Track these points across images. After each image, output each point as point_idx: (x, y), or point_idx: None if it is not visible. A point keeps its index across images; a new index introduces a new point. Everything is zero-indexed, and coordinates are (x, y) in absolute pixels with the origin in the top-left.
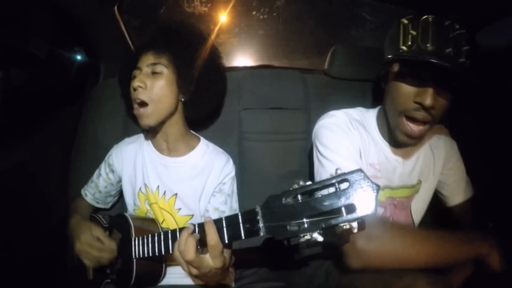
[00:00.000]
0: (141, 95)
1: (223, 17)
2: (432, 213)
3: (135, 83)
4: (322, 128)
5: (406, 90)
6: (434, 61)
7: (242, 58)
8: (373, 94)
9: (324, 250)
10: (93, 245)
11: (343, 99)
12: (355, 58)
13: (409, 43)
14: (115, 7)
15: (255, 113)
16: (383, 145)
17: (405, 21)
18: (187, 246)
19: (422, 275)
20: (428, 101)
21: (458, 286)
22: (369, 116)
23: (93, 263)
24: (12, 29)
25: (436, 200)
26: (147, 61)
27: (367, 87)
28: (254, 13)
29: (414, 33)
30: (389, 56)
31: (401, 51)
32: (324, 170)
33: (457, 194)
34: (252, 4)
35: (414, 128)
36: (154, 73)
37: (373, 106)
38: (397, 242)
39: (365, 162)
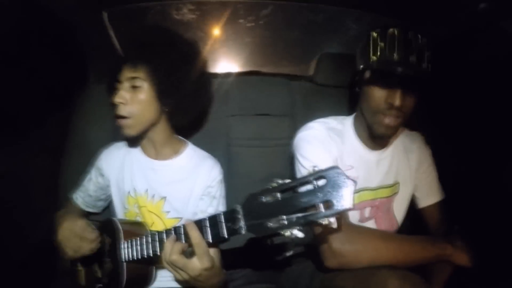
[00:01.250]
0: (122, 111)
1: (211, 25)
2: (412, 219)
3: (116, 99)
4: (300, 140)
5: (378, 93)
6: (400, 70)
7: (229, 65)
8: (349, 101)
9: (309, 251)
10: (75, 232)
11: (329, 105)
12: (340, 65)
13: (378, 53)
14: (105, 13)
15: (242, 119)
16: (360, 148)
17: (375, 34)
18: (171, 251)
19: (394, 271)
20: (397, 102)
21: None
22: (346, 123)
23: (73, 252)
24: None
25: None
26: (126, 74)
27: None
28: (241, 21)
29: (382, 44)
30: (361, 66)
31: (371, 61)
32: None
33: (428, 196)
34: (239, 12)
35: (389, 120)
36: (133, 87)
37: (349, 113)
38: (369, 244)
39: (342, 168)
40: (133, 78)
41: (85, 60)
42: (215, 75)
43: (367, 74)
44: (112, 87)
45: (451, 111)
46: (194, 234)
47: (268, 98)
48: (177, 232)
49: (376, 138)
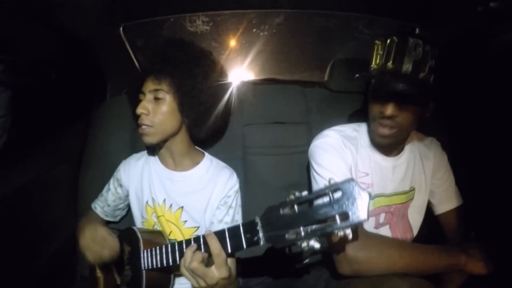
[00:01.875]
0: (144, 121)
1: (225, 35)
2: (430, 227)
3: (138, 110)
4: (316, 148)
5: (375, 102)
6: (392, 79)
7: (243, 74)
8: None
9: (324, 259)
10: (95, 240)
11: (344, 111)
12: (353, 71)
13: (378, 62)
14: (121, 28)
15: (258, 128)
16: (375, 154)
17: (378, 42)
18: (192, 259)
19: (405, 279)
20: (388, 111)
21: None
22: (361, 130)
23: (95, 259)
24: (22, 49)
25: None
26: (149, 87)
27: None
28: (254, 30)
29: (381, 53)
30: (365, 74)
31: (371, 70)
32: (318, 186)
33: (445, 202)
34: (252, 22)
35: (382, 130)
36: (156, 98)
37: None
38: (383, 251)
39: (357, 175)
40: (156, 90)
41: (103, 73)
42: (230, 84)
43: (370, 83)
44: (135, 98)
45: (469, 115)
46: (214, 245)
47: (283, 106)
48: (197, 242)
49: (383, 146)
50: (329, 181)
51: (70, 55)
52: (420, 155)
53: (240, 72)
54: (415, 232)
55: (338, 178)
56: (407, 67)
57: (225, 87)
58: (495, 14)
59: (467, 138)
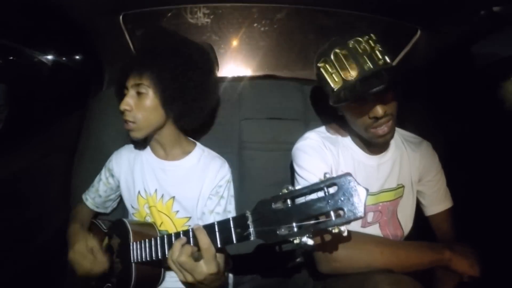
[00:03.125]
0: (128, 117)
1: (226, 29)
2: (421, 225)
3: (121, 106)
4: (297, 150)
5: (359, 113)
6: (363, 86)
7: (242, 69)
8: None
9: (306, 259)
10: (86, 256)
11: None
12: None
13: (336, 80)
14: (121, 16)
15: (255, 123)
16: (359, 154)
17: (322, 64)
18: (180, 252)
19: (386, 276)
20: (379, 113)
21: None
22: (342, 131)
23: (84, 274)
24: (18, 37)
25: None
26: (132, 81)
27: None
28: (255, 25)
29: (334, 71)
30: (331, 100)
31: (336, 90)
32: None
33: (435, 204)
34: (254, 16)
35: (382, 130)
36: (138, 93)
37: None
38: (363, 248)
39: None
40: (138, 84)
41: (100, 63)
42: (228, 78)
43: (340, 102)
44: (120, 93)
45: (467, 117)
46: (203, 239)
47: (281, 102)
48: (186, 235)
49: (376, 146)
50: (324, 175)
51: (67, 43)
52: (407, 153)
53: (238, 66)
54: (406, 230)
55: (317, 179)
56: (368, 65)
57: (211, 78)
58: (498, 18)
59: (464, 139)
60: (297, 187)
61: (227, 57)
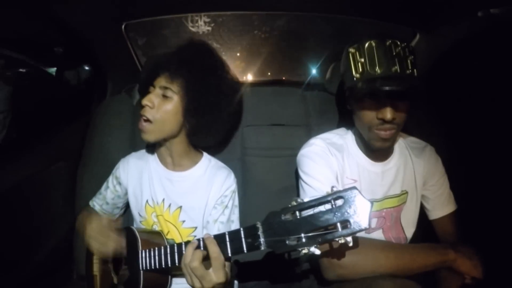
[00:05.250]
0: (147, 113)
1: (226, 36)
2: (425, 230)
3: (144, 101)
4: (302, 157)
5: (369, 110)
6: (385, 84)
7: (244, 75)
8: (343, 117)
9: (312, 266)
10: (102, 231)
11: (343, 114)
12: None
13: (360, 70)
14: (123, 26)
15: (257, 130)
16: (363, 160)
17: (353, 50)
18: (193, 258)
19: (390, 281)
20: (388, 116)
21: None
22: (348, 136)
23: (99, 250)
24: (23, 47)
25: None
26: (161, 82)
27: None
28: (255, 32)
29: (362, 60)
30: (348, 85)
31: (355, 79)
32: (305, 195)
33: (439, 208)
34: (254, 23)
35: (385, 134)
36: (164, 96)
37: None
38: (368, 254)
39: (344, 182)
40: (166, 88)
41: (104, 71)
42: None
43: (355, 92)
44: (145, 90)
45: (467, 118)
46: (213, 249)
47: (282, 108)
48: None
49: (375, 151)
50: (331, 189)
51: (71, 52)
52: (412, 159)
53: (240, 73)
54: (409, 235)
55: (324, 186)
56: (395, 68)
57: (235, 107)
58: (496, 19)
59: (465, 142)
60: (303, 195)
61: (229, 64)
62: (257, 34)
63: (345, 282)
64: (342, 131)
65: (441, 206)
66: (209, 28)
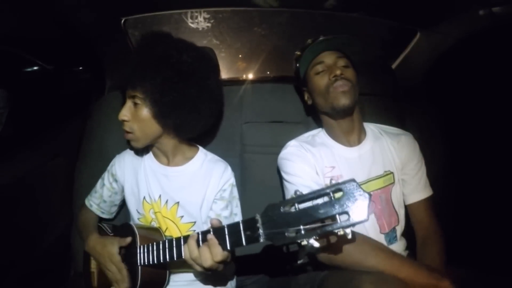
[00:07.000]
0: (126, 127)
1: (226, 33)
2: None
3: (120, 116)
4: (281, 159)
5: (322, 74)
6: (326, 39)
7: (243, 72)
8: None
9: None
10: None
11: None
12: None
13: (308, 45)
14: (122, 21)
15: (256, 126)
16: (337, 147)
17: (299, 52)
18: (201, 254)
19: (372, 276)
20: (337, 71)
21: None
22: (319, 131)
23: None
24: (21, 44)
25: None
26: (129, 93)
27: (364, 100)
28: (255, 28)
29: (309, 41)
30: (298, 64)
31: (303, 57)
32: (289, 194)
33: (415, 192)
34: (254, 20)
35: (342, 85)
36: (135, 104)
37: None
38: (358, 246)
39: (324, 171)
40: (133, 96)
41: (102, 67)
42: (230, 81)
43: (309, 71)
44: (123, 102)
45: (466, 115)
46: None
47: (282, 105)
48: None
49: (341, 112)
50: (330, 181)
51: (69, 48)
52: (388, 141)
53: (240, 70)
54: (401, 217)
55: (305, 181)
56: (329, 37)
57: (211, 85)
58: (497, 18)
59: (465, 142)
60: (287, 194)
61: (228, 61)
62: (257, 31)
63: (333, 275)
64: (314, 130)
65: (418, 191)
66: (209, 25)
